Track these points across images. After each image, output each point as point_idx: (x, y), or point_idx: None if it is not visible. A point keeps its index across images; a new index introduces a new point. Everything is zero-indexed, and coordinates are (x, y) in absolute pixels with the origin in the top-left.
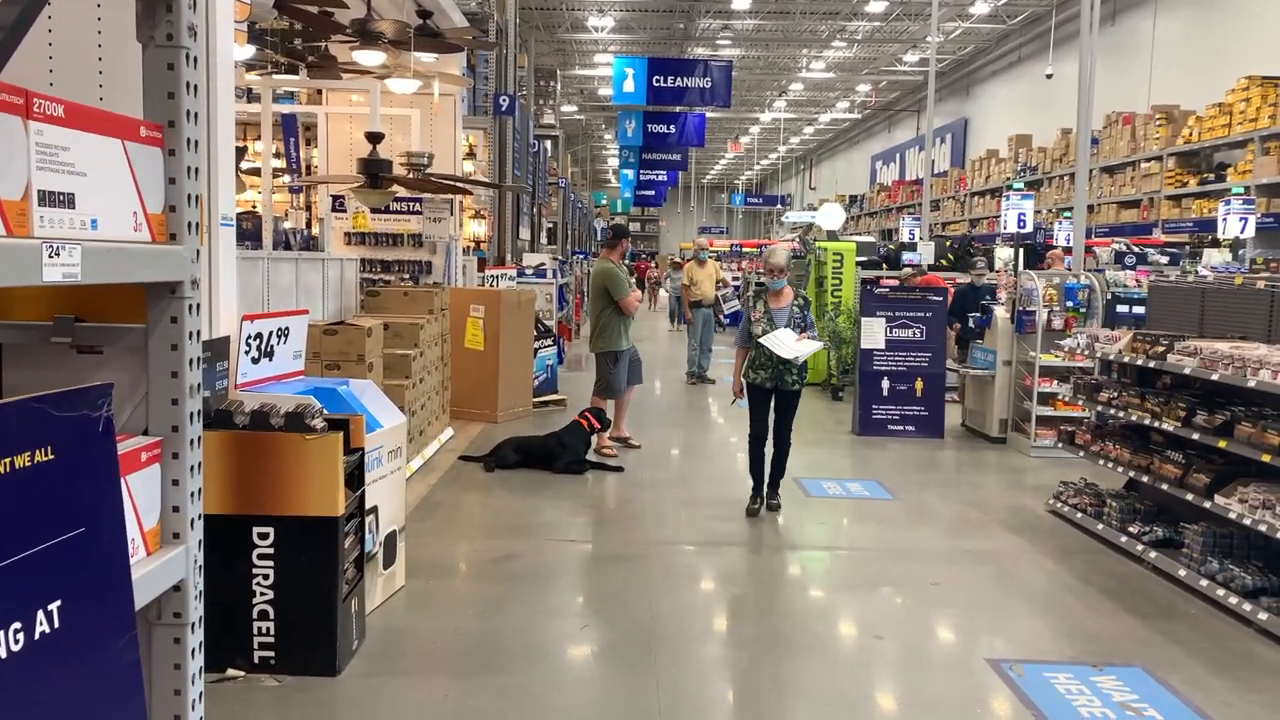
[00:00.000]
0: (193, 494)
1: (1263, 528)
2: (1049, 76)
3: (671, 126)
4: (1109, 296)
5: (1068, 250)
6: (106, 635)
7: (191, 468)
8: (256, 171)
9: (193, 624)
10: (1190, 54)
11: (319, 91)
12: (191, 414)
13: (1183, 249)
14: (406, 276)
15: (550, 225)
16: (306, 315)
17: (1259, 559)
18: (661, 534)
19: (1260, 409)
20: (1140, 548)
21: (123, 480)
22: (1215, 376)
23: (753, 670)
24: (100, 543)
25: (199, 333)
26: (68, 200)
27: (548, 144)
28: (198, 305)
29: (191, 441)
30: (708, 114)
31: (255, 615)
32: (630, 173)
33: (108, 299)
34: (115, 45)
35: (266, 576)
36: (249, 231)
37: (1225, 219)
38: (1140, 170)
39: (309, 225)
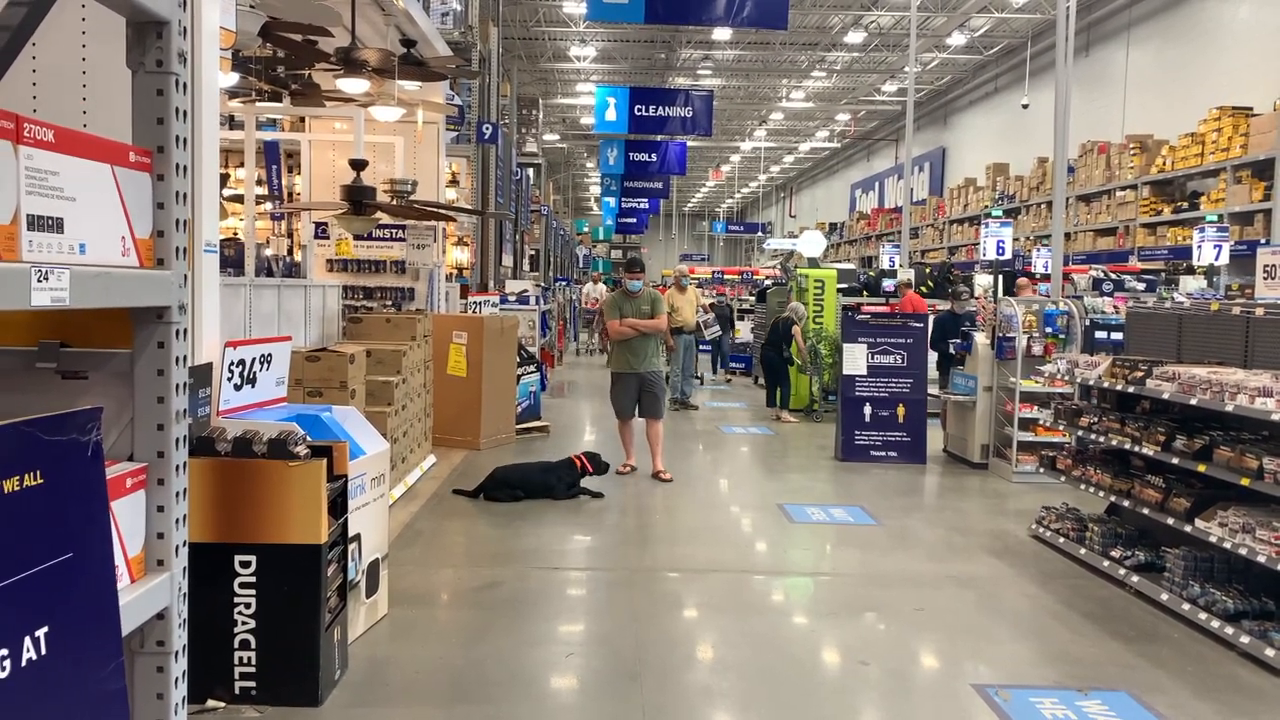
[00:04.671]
0: (178, 520)
1: (1243, 551)
2: (1025, 106)
3: (653, 155)
4: (1087, 323)
5: (1045, 278)
6: (94, 662)
7: (177, 494)
8: (239, 198)
9: (176, 652)
10: (1162, 85)
11: (302, 119)
12: (177, 440)
13: (1159, 276)
14: (389, 303)
15: (533, 252)
16: (290, 342)
17: (1239, 582)
18: (645, 561)
19: (1238, 433)
20: (1122, 572)
21: (109, 506)
22: (1194, 401)
23: (739, 697)
24: (88, 568)
25: (185, 358)
26: (56, 225)
27: (530, 172)
28: (185, 330)
29: (177, 467)
30: (689, 143)
31: (236, 645)
32: (612, 200)
33: (93, 323)
34: (99, 70)
35: (248, 605)
36: (231, 258)
37: (1200, 246)
38: (1116, 199)
39: (291, 252)
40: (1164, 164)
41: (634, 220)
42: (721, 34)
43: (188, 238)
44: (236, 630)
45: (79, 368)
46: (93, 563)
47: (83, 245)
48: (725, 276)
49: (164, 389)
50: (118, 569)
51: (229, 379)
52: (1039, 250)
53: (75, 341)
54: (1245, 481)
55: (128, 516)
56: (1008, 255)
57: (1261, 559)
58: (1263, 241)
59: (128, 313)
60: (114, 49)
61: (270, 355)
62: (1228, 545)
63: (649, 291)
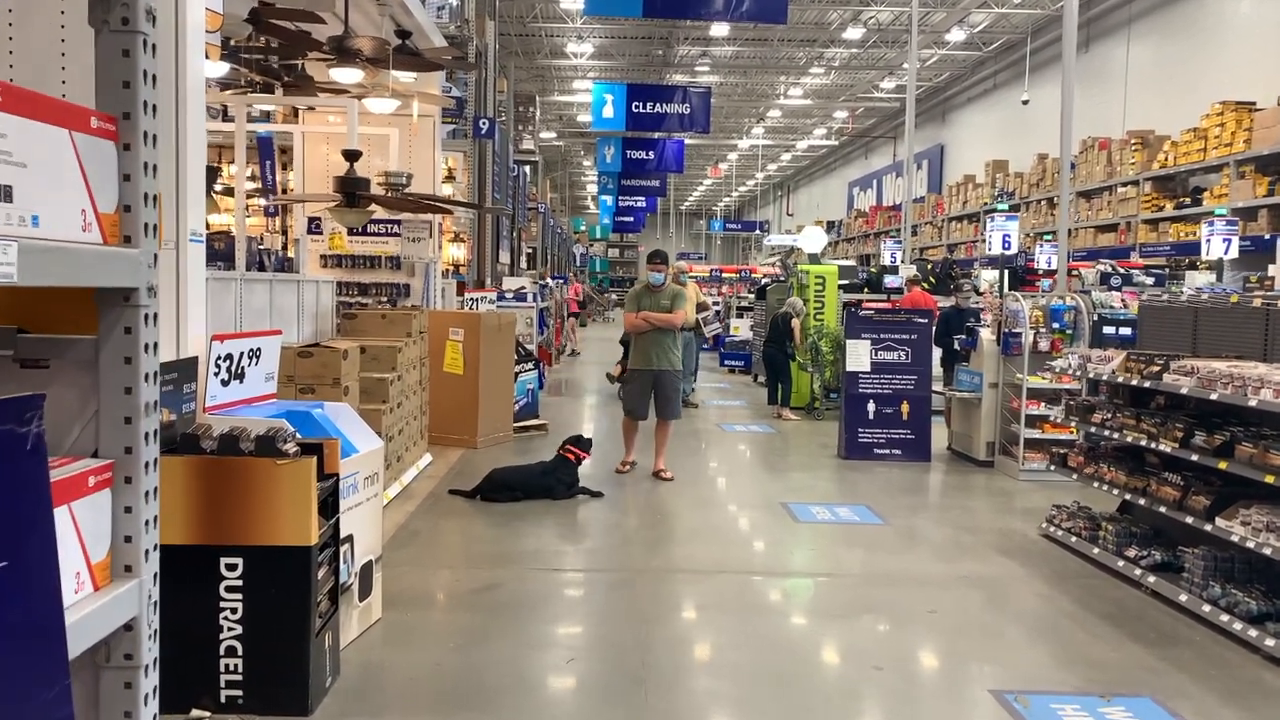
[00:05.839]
0: (147, 522)
1: (1267, 551)
2: (1025, 103)
3: (650, 152)
4: (1095, 318)
5: (1049, 274)
6: (32, 688)
7: (146, 493)
8: (231, 192)
9: (146, 667)
10: (1163, 80)
11: (295, 112)
12: (147, 434)
13: (1164, 271)
14: (384, 300)
15: (530, 250)
16: (280, 336)
17: (1261, 583)
18: (649, 561)
19: (1259, 429)
20: (1139, 572)
21: (67, 508)
22: (1214, 396)
23: (748, 703)
24: (26, 579)
25: (156, 345)
26: (4, 193)
27: (527, 169)
28: (155, 315)
29: (146, 464)
30: (686, 140)
31: (222, 651)
32: (609, 199)
33: (55, 308)
34: (79, 37)
35: (234, 610)
36: (222, 252)
37: (1209, 240)
38: (1117, 195)
39: (285, 248)
40: (1165, 159)
41: (631, 219)
42: (719, 30)
43: (160, 214)
44: (222, 636)
45: (38, 355)
46: (32, 573)
47: (35, 217)
48: (723, 275)
49: (131, 379)
50: (78, 576)
51: (215, 374)
52: (1040, 246)
53: (35, 327)
54: (1270, 479)
55: (90, 518)
56: (1013, 250)
57: None
58: (1267, 237)
59: (92, 296)
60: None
61: (259, 350)
62: (1251, 545)
63: (672, 287)
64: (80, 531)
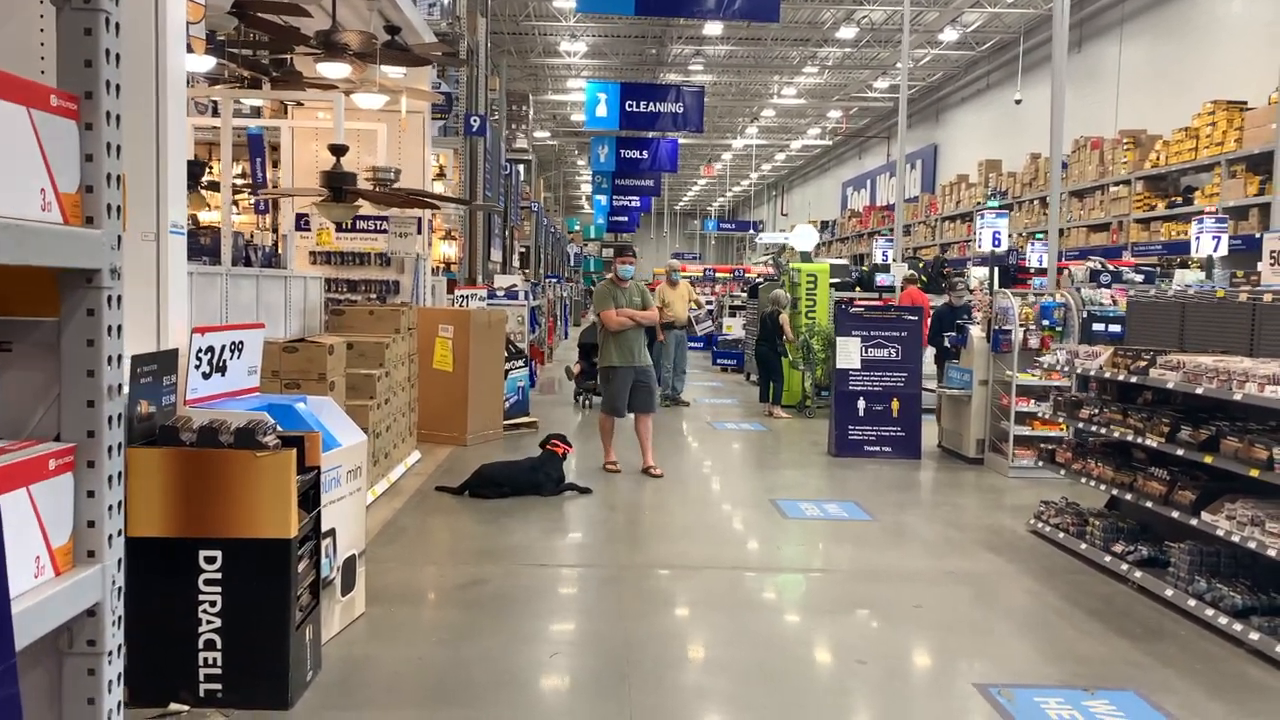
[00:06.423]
0: (111, 507)
1: (1252, 544)
2: (1018, 102)
3: (644, 152)
4: (1084, 315)
5: (1040, 272)
6: None
7: (110, 478)
8: (218, 187)
9: (110, 653)
10: (1155, 80)
11: (285, 109)
12: (110, 418)
13: (1153, 269)
14: (373, 296)
15: (523, 250)
16: (262, 329)
17: (1246, 577)
18: (635, 557)
19: (1245, 423)
20: (1125, 567)
21: (26, 491)
22: (1200, 390)
23: (732, 698)
24: None
25: (120, 328)
26: None
27: (520, 168)
28: (119, 298)
29: (110, 448)
30: (680, 140)
31: (201, 645)
32: (603, 199)
33: (18, 290)
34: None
35: (214, 603)
36: (208, 247)
37: (1199, 237)
38: (1109, 194)
39: (275, 245)
40: (1157, 159)
41: (625, 219)
42: (713, 29)
43: (123, 196)
44: (201, 629)
45: (1, 338)
46: None
47: None
48: (717, 274)
49: (94, 361)
50: (38, 560)
51: (196, 366)
52: (1032, 245)
53: None
54: (1254, 473)
55: (51, 502)
56: (1004, 247)
57: (1271, 553)
58: (1257, 235)
59: (55, 278)
60: None
61: (241, 343)
62: (1236, 539)
63: (635, 283)
64: (40, 515)
